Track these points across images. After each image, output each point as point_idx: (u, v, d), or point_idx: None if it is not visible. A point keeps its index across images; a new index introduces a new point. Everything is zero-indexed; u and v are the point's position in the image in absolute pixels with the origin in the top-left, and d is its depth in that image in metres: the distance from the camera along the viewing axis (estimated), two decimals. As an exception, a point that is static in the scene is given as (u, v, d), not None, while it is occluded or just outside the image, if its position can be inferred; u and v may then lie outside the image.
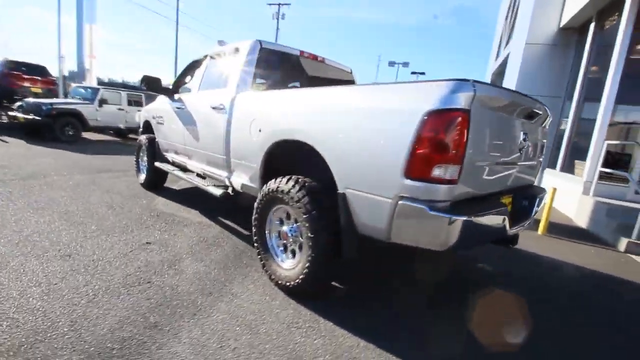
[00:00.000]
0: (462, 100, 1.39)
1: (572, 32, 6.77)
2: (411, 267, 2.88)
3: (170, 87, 4.10)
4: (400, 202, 1.52)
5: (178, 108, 3.66)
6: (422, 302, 2.29)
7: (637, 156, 5.21)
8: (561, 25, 6.77)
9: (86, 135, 9.61)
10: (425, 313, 2.13)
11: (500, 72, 10.85)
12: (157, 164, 4.28)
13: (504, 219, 1.72)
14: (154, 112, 4.32)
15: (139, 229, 3.04)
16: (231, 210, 3.97)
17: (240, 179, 2.73)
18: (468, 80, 1.41)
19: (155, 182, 4.57)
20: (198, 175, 3.60)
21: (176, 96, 3.91)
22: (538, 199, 2.34)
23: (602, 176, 4.76)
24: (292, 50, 3.15)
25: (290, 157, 2.29)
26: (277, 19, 29.60)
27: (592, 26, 5.97)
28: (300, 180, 2.03)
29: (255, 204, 2.33)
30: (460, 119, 1.39)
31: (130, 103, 10.94)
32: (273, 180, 2.19)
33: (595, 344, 2.02)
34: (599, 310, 2.45)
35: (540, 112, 2.16)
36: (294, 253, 2.18)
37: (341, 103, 1.83)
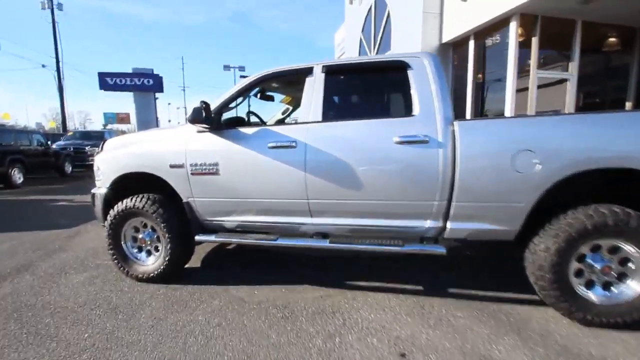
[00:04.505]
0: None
1: (448, 47, 8.82)
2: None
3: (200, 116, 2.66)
4: None
5: (277, 146, 2.49)
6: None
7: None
8: (442, 42, 8.70)
9: None
10: None
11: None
12: (201, 237, 2.78)
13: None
14: (182, 155, 2.70)
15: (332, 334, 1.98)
16: (336, 272, 3.14)
17: (471, 225, 2.25)
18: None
19: (180, 267, 2.96)
20: (323, 236, 2.63)
21: (248, 130, 2.65)
22: None
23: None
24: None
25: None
26: (52, 10, 22.01)
27: (471, 42, 8.00)
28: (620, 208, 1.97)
29: (553, 248, 2.03)
30: None
31: None
32: (588, 213, 1.99)
33: None
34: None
35: None
36: (606, 286, 2.08)
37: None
